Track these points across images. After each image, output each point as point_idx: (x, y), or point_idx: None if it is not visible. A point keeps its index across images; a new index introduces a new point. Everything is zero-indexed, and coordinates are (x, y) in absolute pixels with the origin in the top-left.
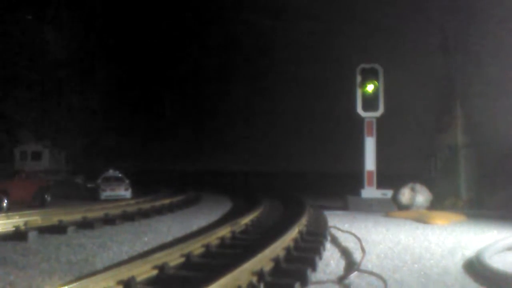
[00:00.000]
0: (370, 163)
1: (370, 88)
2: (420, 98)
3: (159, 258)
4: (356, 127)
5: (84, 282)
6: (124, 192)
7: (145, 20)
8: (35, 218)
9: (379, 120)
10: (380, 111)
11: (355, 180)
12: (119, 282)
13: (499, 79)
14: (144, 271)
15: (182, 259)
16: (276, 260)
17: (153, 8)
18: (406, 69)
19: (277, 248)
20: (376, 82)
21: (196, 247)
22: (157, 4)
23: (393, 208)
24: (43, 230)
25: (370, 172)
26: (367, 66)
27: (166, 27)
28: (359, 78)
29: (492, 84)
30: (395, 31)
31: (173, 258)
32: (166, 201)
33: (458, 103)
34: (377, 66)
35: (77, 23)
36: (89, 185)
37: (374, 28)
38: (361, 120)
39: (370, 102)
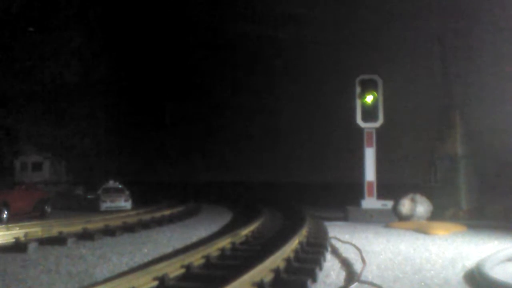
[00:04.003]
0: (370, 173)
1: (369, 99)
2: (419, 108)
3: (159, 269)
4: (356, 138)
5: None
6: (124, 203)
7: (146, 31)
8: (35, 229)
9: (378, 130)
10: (380, 121)
11: (355, 191)
12: None
13: (499, 87)
14: (144, 282)
15: (182, 270)
16: (277, 271)
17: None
18: (405, 79)
19: (278, 259)
20: (375, 93)
21: (196, 258)
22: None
23: (394, 218)
24: (43, 242)
25: (370, 183)
26: (366, 77)
27: (167, 39)
28: (358, 89)
29: (492, 92)
30: (393, 41)
31: (173, 269)
32: (167, 212)
33: (457, 112)
34: (376, 77)
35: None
36: (89, 196)
37: (372, 38)
38: (360, 130)
39: (369, 113)
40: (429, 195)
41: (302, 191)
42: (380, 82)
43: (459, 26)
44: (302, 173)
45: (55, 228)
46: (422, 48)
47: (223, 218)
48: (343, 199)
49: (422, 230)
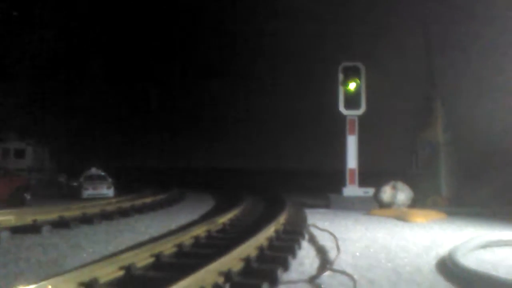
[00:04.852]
0: (352, 161)
1: (352, 86)
2: (402, 96)
3: (126, 258)
4: (340, 125)
5: (42, 284)
6: (106, 190)
7: (134, 15)
8: (8, 217)
9: (361, 118)
10: (362, 109)
11: (341, 178)
12: (81, 284)
13: (482, 76)
14: (108, 272)
15: (151, 260)
16: (247, 260)
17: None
18: (389, 67)
19: (250, 247)
20: (358, 80)
21: (167, 247)
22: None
23: (375, 206)
24: (17, 230)
25: (352, 170)
26: (349, 64)
27: (155, 22)
28: (341, 76)
29: (475, 81)
30: (378, 29)
31: (142, 258)
32: (148, 200)
33: (439, 100)
34: (359, 64)
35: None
36: (71, 184)
37: (356, 26)
38: (343, 118)
39: (352, 100)
40: (411, 183)
41: (288, 178)
42: (363, 69)
43: (444, 15)
44: (288, 160)
45: (30, 216)
46: (407, 37)
47: (206, 205)
48: (329, 186)
49: (402, 218)
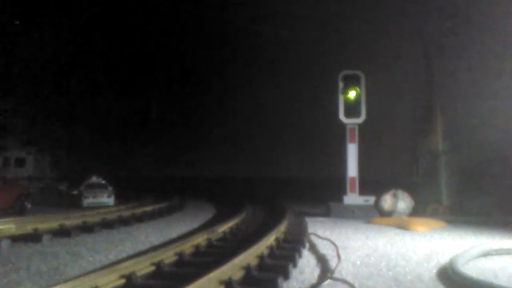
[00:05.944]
0: (352, 169)
1: (352, 94)
2: (402, 104)
3: (127, 267)
4: (340, 133)
5: None
6: (107, 199)
7: (131, 20)
8: (9, 226)
9: (361, 125)
10: (362, 117)
11: (340, 186)
12: None
13: (481, 83)
14: (109, 281)
15: (152, 268)
16: (247, 269)
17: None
18: (388, 75)
19: (250, 256)
20: (358, 89)
21: (168, 256)
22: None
23: (375, 214)
24: (17, 239)
25: (352, 179)
26: (349, 72)
27: (151, 28)
28: (341, 85)
29: (474, 88)
30: (376, 37)
31: (142, 267)
32: (148, 208)
33: (438, 108)
34: (359, 72)
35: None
36: (72, 192)
37: (355, 34)
38: (343, 126)
39: (352, 109)
40: (411, 191)
41: (289, 186)
42: (362, 78)
43: (443, 23)
44: (288, 169)
45: (30, 224)
46: (406, 45)
47: (206, 214)
48: (329, 195)
49: (402, 226)
